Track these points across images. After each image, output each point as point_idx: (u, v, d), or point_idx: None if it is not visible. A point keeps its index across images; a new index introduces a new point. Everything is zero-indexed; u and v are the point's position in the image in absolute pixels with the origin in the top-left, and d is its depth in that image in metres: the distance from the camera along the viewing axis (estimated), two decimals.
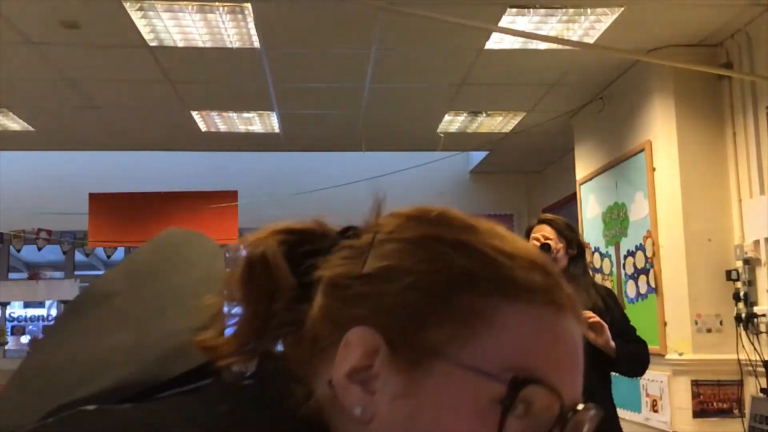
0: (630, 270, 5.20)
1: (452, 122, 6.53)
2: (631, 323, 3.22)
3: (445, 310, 0.58)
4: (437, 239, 0.61)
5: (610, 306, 3.07)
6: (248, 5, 4.20)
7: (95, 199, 7.34)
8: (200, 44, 4.72)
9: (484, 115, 6.35)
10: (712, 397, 4.50)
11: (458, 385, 0.56)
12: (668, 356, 4.64)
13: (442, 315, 0.58)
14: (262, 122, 6.52)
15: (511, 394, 0.55)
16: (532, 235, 3.13)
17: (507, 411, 0.55)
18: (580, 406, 0.58)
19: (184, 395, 0.65)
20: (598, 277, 5.48)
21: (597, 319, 2.91)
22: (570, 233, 3.18)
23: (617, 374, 3.14)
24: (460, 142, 7.13)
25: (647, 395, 4.91)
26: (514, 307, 0.58)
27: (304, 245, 0.66)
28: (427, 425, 0.56)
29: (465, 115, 6.35)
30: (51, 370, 0.75)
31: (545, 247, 3.02)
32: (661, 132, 4.81)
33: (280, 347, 0.64)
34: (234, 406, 0.59)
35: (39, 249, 8.31)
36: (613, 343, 2.94)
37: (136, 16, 4.31)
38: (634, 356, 3.06)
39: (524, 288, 0.59)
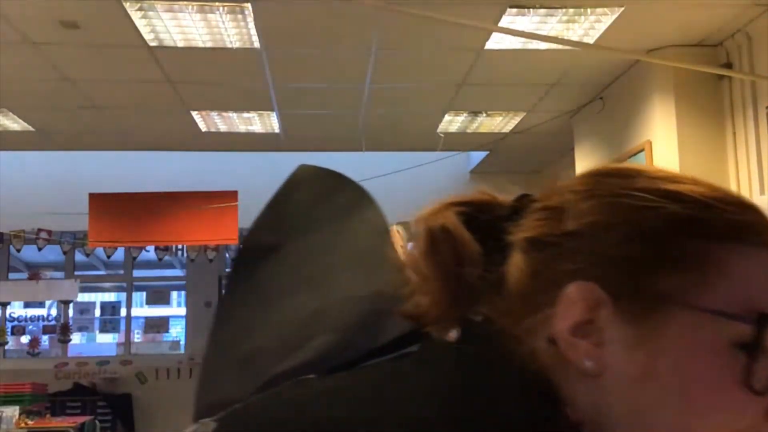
0: None
1: (452, 122, 6.53)
2: None
3: (674, 257, 0.58)
4: (641, 190, 0.61)
5: None
6: (248, 5, 4.20)
7: (95, 199, 7.34)
8: (200, 44, 4.72)
9: (484, 115, 6.35)
10: None
11: (697, 330, 0.56)
12: None
13: (670, 262, 0.58)
14: (262, 122, 6.52)
15: (758, 332, 0.55)
16: None
17: (755, 349, 0.55)
18: None
19: (398, 363, 0.64)
20: None
21: None
22: None
23: None
24: (460, 142, 7.13)
25: None
26: (740, 248, 0.59)
27: (482, 214, 0.66)
28: (666, 372, 0.56)
29: (465, 115, 6.35)
30: (246, 337, 0.75)
31: None
32: (661, 132, 4.81)
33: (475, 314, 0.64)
34: (466, 371, 0.59)
35: (39, 249, 8.32)
36: None
37: (136, 16, 4.31)
38: None
39: (745, 229, 0.60)
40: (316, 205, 0.85)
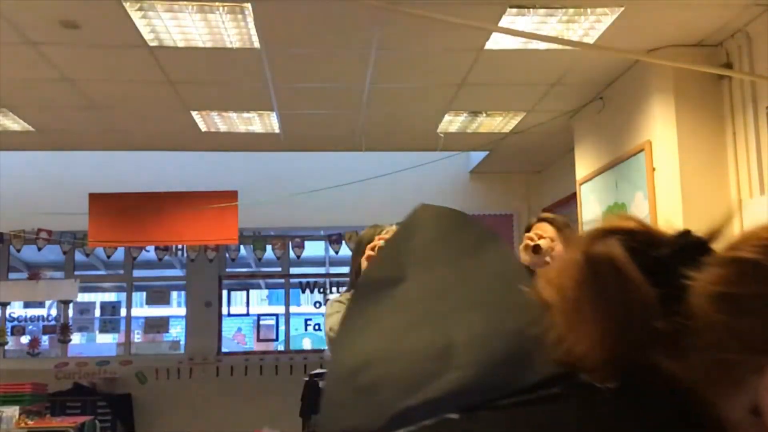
0: None
1: (452, 122, 6.53)
2: None
3: None
4: None
5: None
6: (248, 5, 4.20)
7: (95, 199, 7.34)
8: (200, 44, 4.72)
9: (484, 115, 6.35)
10: None
11: None
12: None
13: None
14: (262, 122, 6.52)
15: None
16: (527, 234, 3.12)
17: None
18: None
19: (550, 407, 0.60)
20: None
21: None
22: (570, 232, 3.18)
23: None
24: (460, 142, 7.13)
25: None
26: None
27: (647, 248, 0.60)
28: None
29: (465, 115, 6.35)
30: (366, 367, 0.73)
31: (536, 249, 3.01)
32: (661, 132, 4.81)
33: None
34: (632, 425, 0.55)
35: (39, 249, 8.31)
36: None
37: (136, 16, 4.31)
38: None
39: None
40: (440, 243, 0.82)
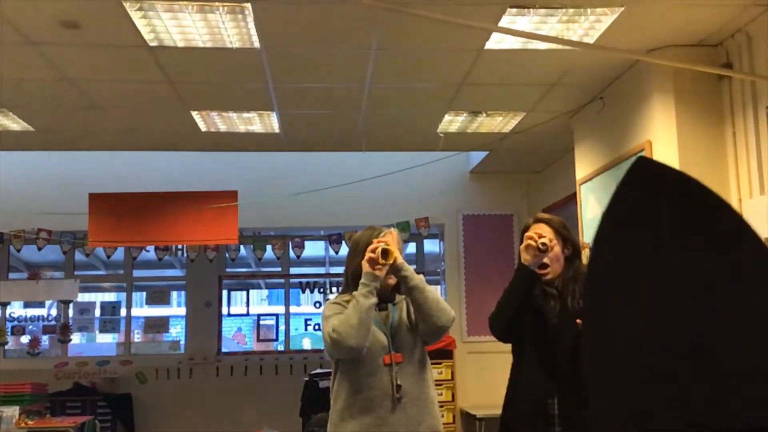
0: None
1: (452, 122, 6.53)
2: None
3: None
4: None
5: None
6: (248, 5, 4.20)
7: (95, 199, 7.34)
8: (200, 44, 4.72)
9: (484, 115, 6.35)
10: None
11: None
12: None
13: None
14: (262, 122, 6.52)
15: None
16: (526, 234, 3.12)
17: None
18: None
19: None
20: None
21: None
22: (566, 233, 3.18)
23: None
24: (460, 142, 7.13)
25: None
26: None
27: None
28: None
29: (465, 115, 6.34)
30: (663, 363, 0.68)
31: (543, 248, 3.01)
32: (661, 132, 4.81)
33: None
34: None
35: (39, 249, 8.31)
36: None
37: (136, 16, 4.31)
38: None
39: None
40: (690, 230, 0.77)
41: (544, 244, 3.00)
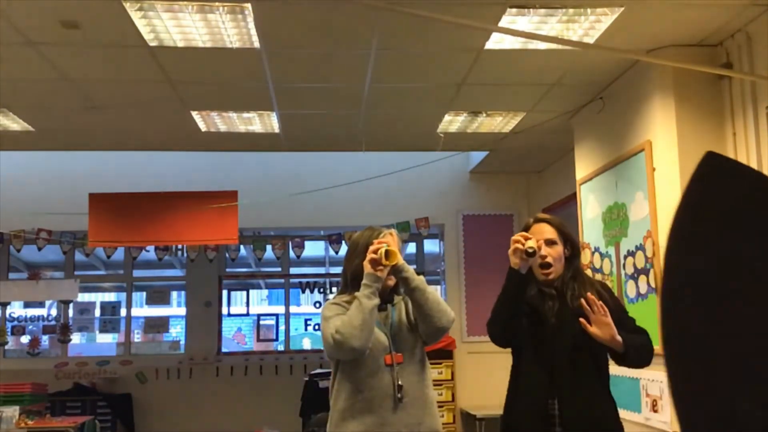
0: (630, 270, 5.20)
1: (452, 122, 6.53)
2: (630, 315, 3.20)
3: None
4: None
5: (606, 298, 3.05)
6: (248, 5, 4.20)
7: (95, 199, 7.34)
8: (200, 44, 4.72)
9: (484, 115, 6.35)
10: None
11: None
12: None
13: None
14: (262, 122, 6.52)
15: None
16: (513, 237, 3.10)
17: None
18: None
19: None
20: (598, 277, 5.47)
21: (599, 305, 2.92)
22: (566, 233, 3.18)
23: (623, 366, 3.10)
24: (460, 142, 7.13)
25: (647, 395, 4.91)
26: None
27: None
28: None
29: (465, 115, 6.34)
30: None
31: (532, 253, 2.99)
32: (661, 132, 4.81)
33: None
34: None
35: (39, 249, 8.31)
36: (619, 337, 2.93)
37: (136, 16, 4.31)
38: (642, 347, 3.03)
39: None
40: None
41: (531, 247, 2.97)
